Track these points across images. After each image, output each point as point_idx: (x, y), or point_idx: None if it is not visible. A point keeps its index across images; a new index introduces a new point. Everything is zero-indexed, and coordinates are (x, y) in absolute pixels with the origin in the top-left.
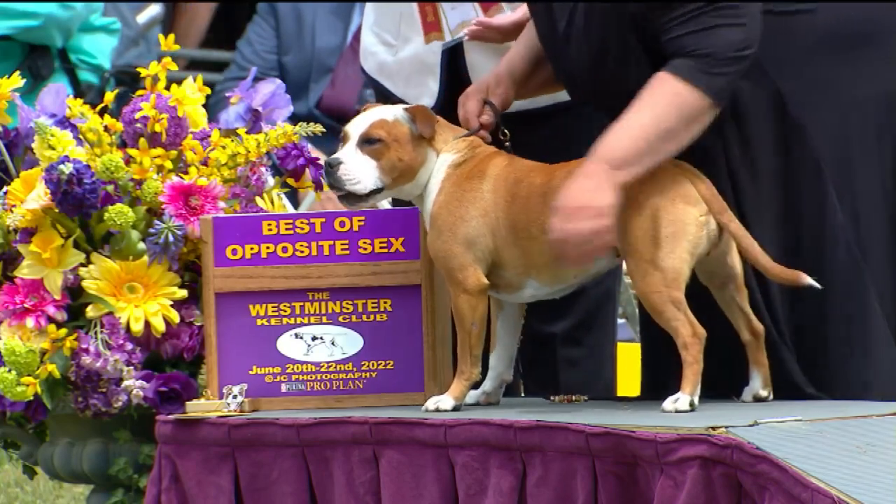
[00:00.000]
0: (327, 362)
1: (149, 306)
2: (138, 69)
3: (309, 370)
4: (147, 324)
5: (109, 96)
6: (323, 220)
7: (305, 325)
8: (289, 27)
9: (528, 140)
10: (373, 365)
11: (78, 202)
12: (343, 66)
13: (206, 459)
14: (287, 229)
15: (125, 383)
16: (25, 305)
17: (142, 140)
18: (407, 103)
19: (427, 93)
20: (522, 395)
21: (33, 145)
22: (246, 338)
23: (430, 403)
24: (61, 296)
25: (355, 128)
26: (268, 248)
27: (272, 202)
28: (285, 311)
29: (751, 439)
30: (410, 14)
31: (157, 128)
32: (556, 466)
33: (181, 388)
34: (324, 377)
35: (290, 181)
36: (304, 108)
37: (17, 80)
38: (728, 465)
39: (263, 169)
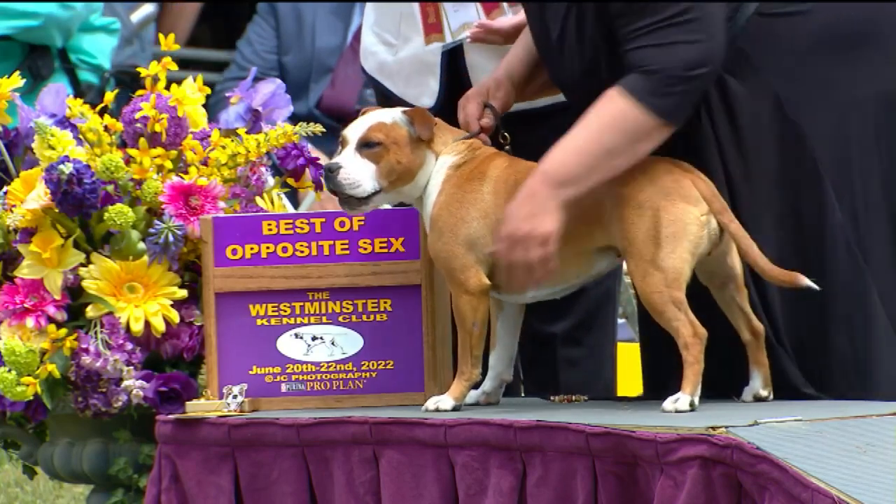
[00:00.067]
0: (327, 362)
1: (149, 306)
2: (138, 69)
3: (309, 370)
4: (147, 324)
5: (109, 96)
6: (323, 220)
7: (305, 325)
8: (289, 27)
9: (528, 140)
10: (373, 365)
11: (78, 202)
12: (343, 67)
13: (206, 459)
14: (287, 229)
15: (125, 383)
16: (25, 305)
17: (142, 140)
18: (407, 103)
19: (427, 92)
20: (522, 395)
21: (33, 145)
22: (246, 338)
23: (430, 403)
24: (61, 296)
25: (353, 132)
26: (268, 248)
27: (272, 202)
28: (285, 311)
29: (751, 439)
30: (411, 14)
31: (157, 128)
32: (556, 466)
33: (181, 388)
34: (324, 377)
35: (290, 181)
36: (304, 108)
37: (17, 80)
38: (728, 465)
39: (263, 169)
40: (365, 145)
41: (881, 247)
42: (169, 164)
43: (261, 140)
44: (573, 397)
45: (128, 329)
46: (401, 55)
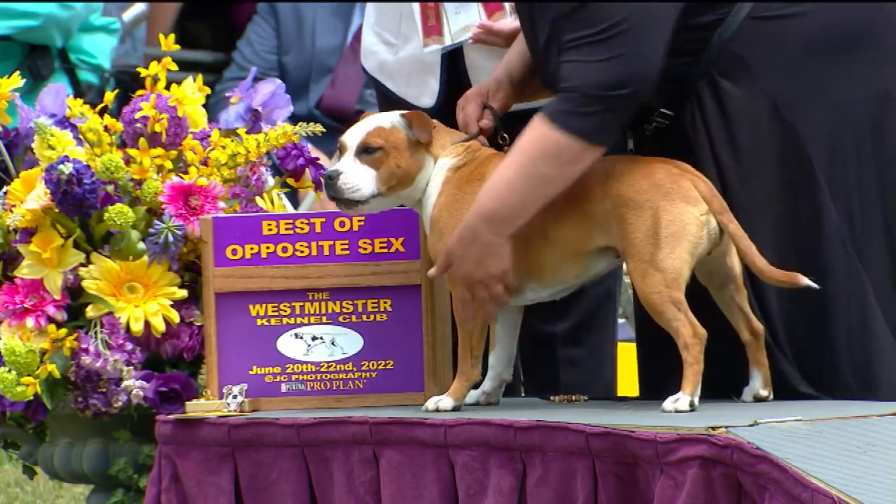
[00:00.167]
0: (327, 362)
1: (149, 306)
2: (138, 69)
3: (309, 370)
4: (147, 324)
5: (109, 96)
6: (323, 220)
7: (305, 325)
8: (289, 27)
9: None
10: (373, 365)
11: (78, 202)
12: (343, 67)
13: (206, 459)
14: (287, 229)
15: (125, 383)
16: (25, 305)
17: (142, 140)
18: (407, 103)
19: (427, 92)
20: (522, 395)
21: (33, 145)
22: (246, 338)
23: (430, 403)
24: (61, 296)
25: (352, 138)
26: (268, 248)
27: (272, 202)
28: (285, 311)
29: (751, 439)
30: (411, 14)
31: (157, 128)
32: (556, 466)
33: (181, 388)
34: (324, 377)
35: (290, 181)
36: (304, 109)
37: (17, 80)
38: (728, 465)
39: (263, 169)
40: (364, 151)
41: (877, 247)
42: (169, 164)
43: (261, 140)
44: (573, 397)
45: (128, 329)
46: (401, 55)
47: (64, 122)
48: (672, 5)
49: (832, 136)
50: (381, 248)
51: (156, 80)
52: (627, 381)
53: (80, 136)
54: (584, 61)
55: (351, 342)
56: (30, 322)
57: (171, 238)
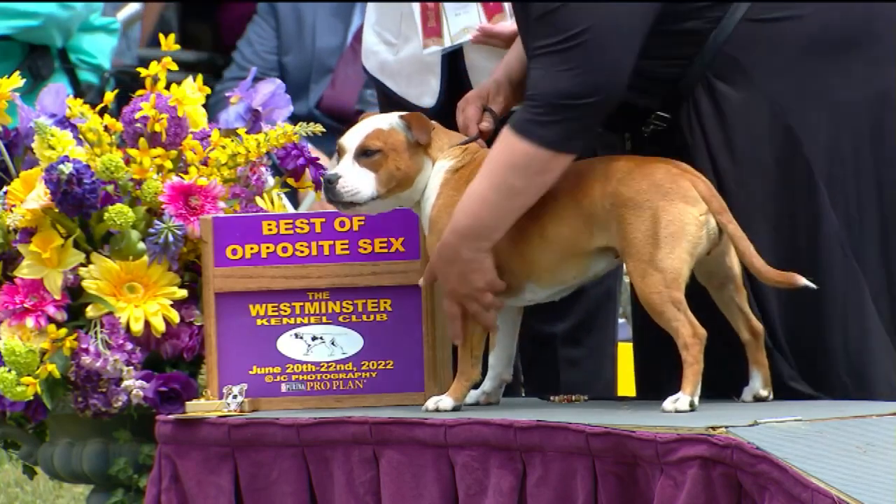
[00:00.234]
0: (327, 362)
1: (149, 306)
2: (138, 69)
3: (309, 370)
4: (147, 324)
5: (109, 96)
6: (323, 220)
7: (305, 325)
8: (289, 27)
9: None
10: (373, 365)
11: (78, 202)
12: (343, 67)
13: (206, 459)
14: (287, 229)
15: (125, 383)
16: (25, 305)
17: (142, 140)
18: (408, 102)
19: (428, 92)
20: (522, 395)
21: (33, 145)
22: (246, 338)
23: (431, 403)
24: (61, 296)
25: (351, 140)
26: (268, 248)
27: (272, 202)
28: (285, 311)
29: (751, 439)
30: (411, 14)
31: (157, 128)
32: (556, 466)
33: (181, 388)
34: (324, 377)
35: (290, 181)
36: (305, 109)
37: (17, 80)
38: (728, 465)
39: (263, 169)
40: (363, 154)
41: (873, 248)
42: (169, 164)
43: (261, 140)
44: (573, 397)
45: (128, 329)
46: (402, 55)
47: (64, 122)
48: (644, 15)
49: (830, 137)
50: (380, 247)
51: (156, 80)
52: (628, 381)
53: (80, 136)
54: (548, 69)
55: (351, 342)
56: (30, 322)
57: (171, 238)
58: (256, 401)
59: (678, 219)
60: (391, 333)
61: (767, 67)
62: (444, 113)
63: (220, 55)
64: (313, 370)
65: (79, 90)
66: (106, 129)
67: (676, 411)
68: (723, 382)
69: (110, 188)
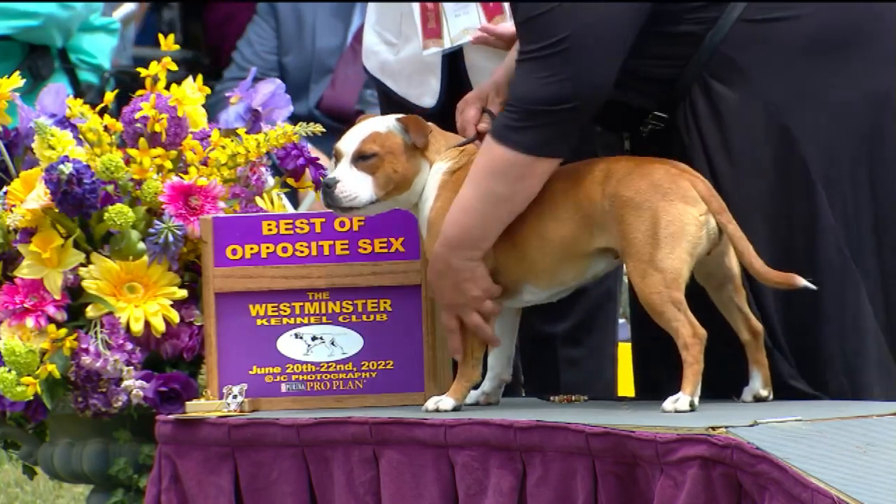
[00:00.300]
0: (327, 362)
1: (149, 306)
2: (138, 69)
3: (309, 370)
4: (147, 324)
5: (109, 96)
6: (323, 220)
7: (305, 325)
8: (289, 28)
9: None
10: (373, 365)
11: (78, 202)
12: (343, 67)
13: (206, 459)
14: (287, 229)
15: (125, 383)
16: (25, 305)
17: (142, 140)
18: (408, 102)
19: (429, 92)
20: (522, 395)
21: (33, 145)
22: (246, 338)
23: (431, 404)
24: (61, 296)
25: (348, 144)
26: (268, 248)
27: (272, 202)
28: (285, 311)
29: (751, 439)
30: (411, 14)
31: (157, 128)
32: (556, 466)
33: (181, 388)
34: (324, 377)
35: (290, 181)
36: (304, 109)
37: (17, 80)
38: (728, 465)
39: (263, 169)
40: (360, 157)
41: (869, 248)
42: (169, 164)
43: (261, 140)
44: (573, 397)
45: (128, 329)
46: (402, 55)
47: (64, 122)
48: (630, 20)
49: (827, 137)
50: (380, 248)
51: (156, 80)
52: (628, 381)
53: (80, 136)
54: (527, 75)
55: (351, 342)
56: (30, 322)
57: (171, 238)
58: (256, 401)
59: (678, 219)
60: (391, 333)
61: (764, 68)
62: (445, 113)
63: (204, 54)
64: (313, 370)
65: (79, 90)
66: (106, 129)
67: (676, 411)
68: (723, 382)
69: (110, 188)
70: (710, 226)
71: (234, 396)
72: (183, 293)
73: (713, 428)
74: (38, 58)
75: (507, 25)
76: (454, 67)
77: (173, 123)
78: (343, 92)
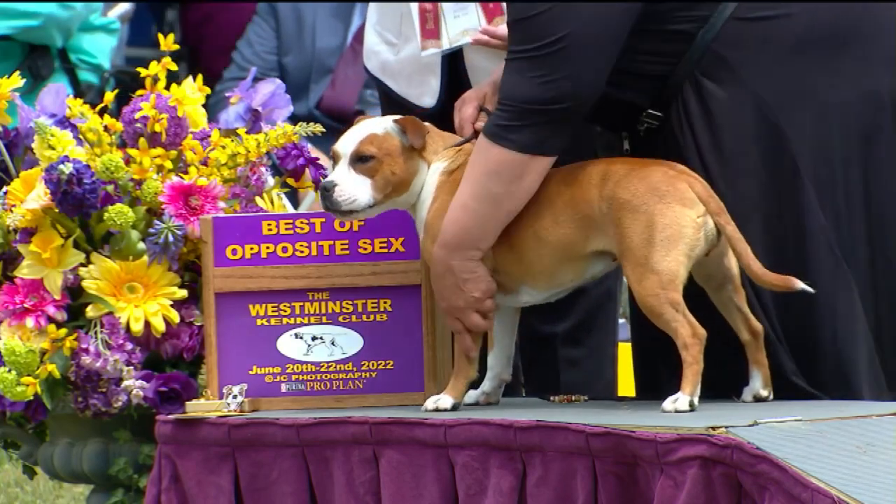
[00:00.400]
0: (327, 362)
1: (149, 306)
2: (138, 69)
3: (309, 370)
4: (147, 324)
5: (109, 96)
6: (323, 220)
7: (305, 325)
8: (289, 28)
9: None
10: (373, 365)
11: (78, 202)
12: (343, 67)
13: (206, 459)
14: (287, 229)
15: (125, 383)
16: (25, 305)
17: (142, 140)
18: (409, 102)
19: (429, 92)
20: (523, 395)
21: (33, 145)
22: (246, 338)
23: (430, 403)
24: (61, 296)
25: (346, 146)
26: (268, 248)
27: (272, 202)
28: (285, 311)
29: (751, 439)
30: (411, 14)
31: (157, 128)
32: (556, 466)
33: (181, 388)
34: (324, 377)
35: (290, 181)
36: (304, 109)
37: (17, 80)
38: (728, 465)
39: (263, 169)
40: (358, 160)
41: (861, 248)
42: (169, 164)
43: (261, 140)
44: (573, 397)
45: (128, 329)
46: (402, 55)
47: (64, 122)
48: (621, 21)
49: (818, 136)
50: (380, 247)
51: (156, 80)
52: (628, 381)
53: (80, 136)
54: (521, 75)
55: (351, 342)
56: (30, 322)
57: (171, 238)
58: (256, 401)
59: (675, 222)
60: (391, 333)
61: (755, 66)
62: (445, 113)
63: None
64: (313, 370)
65: (79, 90)
66: (106, 129)
67: (676, 411)
68: (723, 382)
69: (110, 188)
70: (708, 227)
71: (234, 396)
72: (183, 293)
73: (713, 428)
74: (38, 58)
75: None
76: (454, 68)
77: (173, 123)
78: (343, 92)
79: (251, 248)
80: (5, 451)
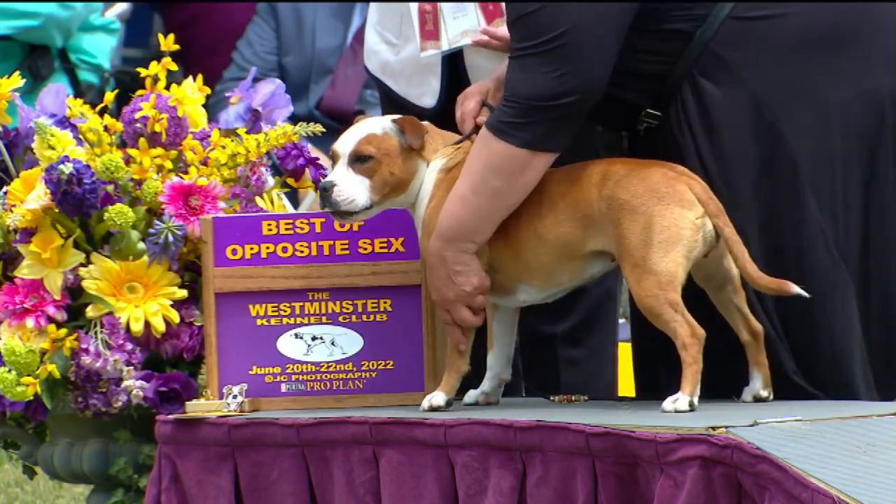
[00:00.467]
0: (327, 362)
1: (149, 306)
2: (138, 69)
3: (309, 370)
4: (147, 324)
5: (109, 96)
6: (323, 220)
7: (305, 325)
8: (289, 28)
9: None
10: (373, 365)
11: (78, 202)
12: (343, 67)
13: (206, 459)
14: (287, 229)
15: (125, 383)
16: (25, 305)
17: (142, 140)
18: (409, 102)
19: (429, 92)
20: (523, 394)
21: (33, 145)
22: (246, 338)
23: (424, 402)
24: (61, 296)
25: (345, 145)
26: (268, 248)
27: (272, 202)
28: (285, 311)
29: (751, 439)
30: (411, 14)
31: (157, 128)
32: (556, 466)
33: (181, 388)
34: (324, 377)
35: (290, 181)
36: (304, 109)
37: (17, 80)
38: (728, 465)
39: (263, 169)
40: (357, 160)
41: (856, 248)
42: (169, 164)
43: (261, 140)
44: (573, 397)
45: (128, 329)
46: (402, 55)
47: (64, 122)
48: (621, 17)
49: (816, 136)
50: (380, 247)
51: (156, 80)
52: (628, 381)
53: (80, 136)
54: (525, 71)
55: (351, 342)
56: (30, 322)
57: (171, 238)
58: (256, 401)
59: (673, 223)
60: (391, 333)
61: (753, 66)
62: (445, 113)
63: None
64: (313, 370)
65: (79, 90)
66: (106, 129)
67: (676, 411)
68: (723, 382)
69: (110, 188)
70: (707, 229)
71: (234, 396)
72: (183, 293)
73: (713, 428)
74: (38, 58)
75: (506, 28)
76: (454, 68)
77: (173, 123)
78: (343, 92)
79: (251, 248)
80: (5, 451)
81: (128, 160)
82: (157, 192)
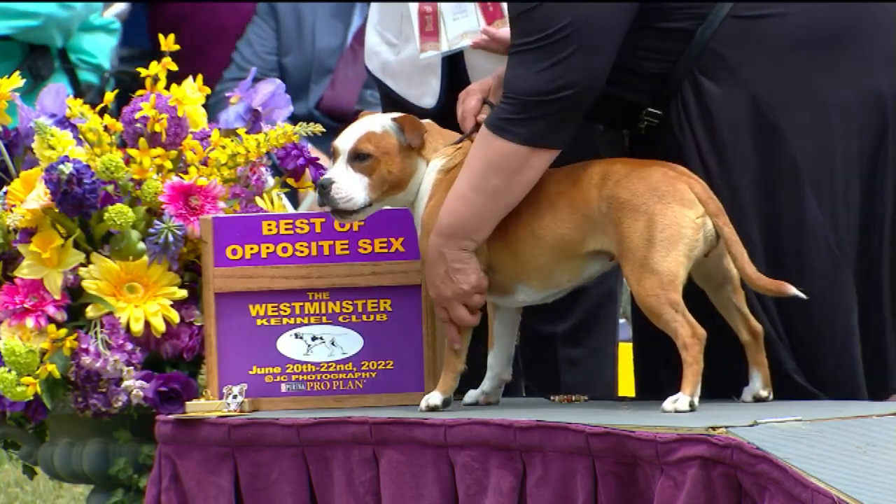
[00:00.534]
0: (327, 362)
1: (149, 306)
2: (138, 69)
3: (309, 370)
4: (147, 324)
5: (109, 96)
6: (323, 220)
7: (305, 325)
8: (289, 28)
9: None
10: (373, 365)
11: (78, 202)
12: (343, 67)
13: (206, 459)
14: (287, 229)
15: (125, 383)
16: (25, 305)
17: (142, 140)
18: (409, 103)
19: (429, 92)
20: (523, 395)
21: (33, 145)
22: (246, 338)
23: (422, 403)
24: (61, 296)
25: (345, 143)
26: (268, 248)
27: (272, 202)
28: (285, 311)
29: (751, 439)
30: (411, 15)
31: (157, 128)
32: (556, 466)
33: (181, 388)
34: (324, 377)
35: (290, 181)
36: (304, 109)
37: (17, 80)
38: (728, 465)
39: (263, 169)
40: (356, 158)
41: (853, 247)
42: (169, 164)
43: (261, 140)
44: (573, 397)
45: (128, 329)
46: (403, 55)
47: (64, 122)
48: (622, 13)
49: (817, 136)
50: (380, 247)
51: (156, 80)
52: (628, 381)
53: (80, 136)
54: (525, 67)
55: (351, 342)
56: (30, 322)
57: (171, 238)
58: (256, 401)
59: (674, 222)
60: (391, 333)
61: (753, 65)
62: (445, 113)
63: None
64: (313, 370)
65: (79, 90)
66: (106, 129)
67: (676, 411)
68: (723, 382)
69: (110, 188)
70: (707, 228)
71: (234, 396)
72: (183, 293)
73: (713, 428)
74: (38, 58)
75: (507, 30)
76: (455, 68)
77: (173, 123)
78: (343, 92)
79: (251, 248)
80: (5, 451)
81: (128, 160)
82: (157, 192)
